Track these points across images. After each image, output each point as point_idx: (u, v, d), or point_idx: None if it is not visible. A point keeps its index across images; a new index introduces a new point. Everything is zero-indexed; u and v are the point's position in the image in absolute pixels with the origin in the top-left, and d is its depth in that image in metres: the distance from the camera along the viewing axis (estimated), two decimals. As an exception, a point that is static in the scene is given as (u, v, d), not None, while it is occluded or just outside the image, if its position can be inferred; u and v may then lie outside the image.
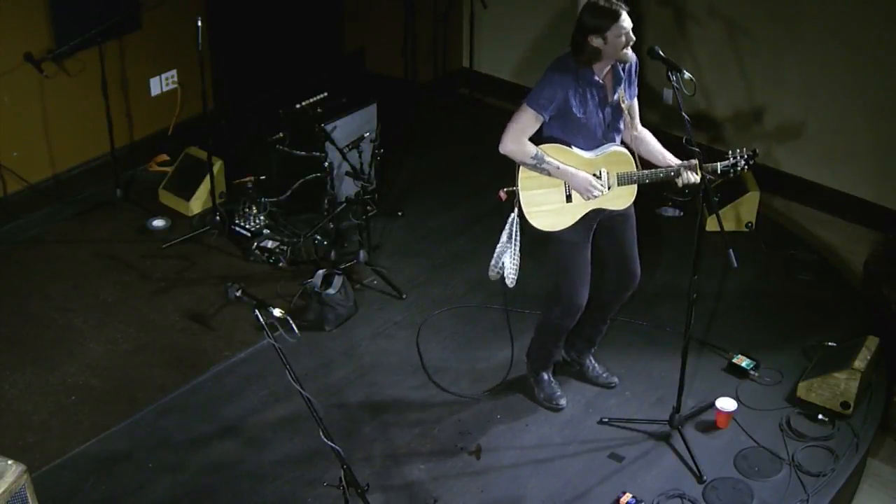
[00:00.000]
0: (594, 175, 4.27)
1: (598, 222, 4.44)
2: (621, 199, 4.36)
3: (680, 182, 4.27)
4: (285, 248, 5.73)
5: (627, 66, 4.23)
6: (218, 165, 6.05)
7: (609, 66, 4.20)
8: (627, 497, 4.29)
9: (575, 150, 4.26)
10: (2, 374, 4.90)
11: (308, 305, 5.29)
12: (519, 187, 4.29)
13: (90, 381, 4.90)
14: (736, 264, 4.01)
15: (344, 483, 3.75)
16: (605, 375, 4.92)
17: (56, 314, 5.33)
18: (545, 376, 4.84)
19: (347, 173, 5.55)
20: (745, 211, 6.02)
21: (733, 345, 5.16)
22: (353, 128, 5.88)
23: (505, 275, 4.40)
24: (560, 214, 4.33)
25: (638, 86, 4.37)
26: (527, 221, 4.33)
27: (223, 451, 4.53)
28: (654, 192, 6.35)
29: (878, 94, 6.17)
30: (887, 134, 6.21)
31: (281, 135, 5.68)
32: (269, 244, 5.76)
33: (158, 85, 6.50)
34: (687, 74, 4.14)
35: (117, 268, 5.70)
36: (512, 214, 4.33)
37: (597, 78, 4.18)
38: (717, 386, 4.92)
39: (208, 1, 6.36)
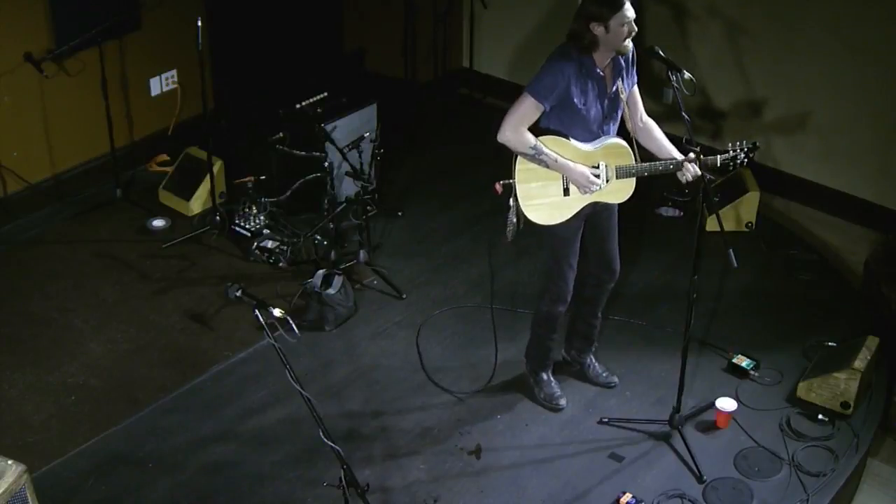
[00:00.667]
0: (593, 167, 4.25)
1: (587, 216, 4.42)
2: (620, 192, 4.33)
3: (681, 176, 4.23)
4: (285, 248, 5.73)
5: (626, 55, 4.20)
6: (218, 165, 6.05)
7: (610, 58, 4.18)
8: (627, 497, 4.30)
9: (573, 142, 4.22)
10: (2, 374, 4.90)
11: (308, 305, 5.29)
12: (515, 180, 4.23)
13: (90, 381, 4.90)
14: (736, 264, 4.01)
15: (344, 483, 3.75)
16: (605, 375, 4.92)
17: (56, 314, 5.33)
18: (545, 376, 4.84)
19: (347, 173, 5.55)
20: (745, 211, 6.02)
21: (733, 345, 5.16)
22: (353, 128, 5.88)
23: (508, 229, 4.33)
24: (557, 208, 4.29)
25: (637, 74, 4.33)
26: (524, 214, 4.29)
27: (223, 451, 4.53)
28: (654, 192, 6.37)
29: (878, 94, 6.17)
30: (887, 134, 6.21)
31: (281, 135, 5.67)
32: (269, 244, 5.76)
33: (158, 85, 6.50)
34: (687, 74, 4.13)
35: (117, 268, 5.70)
36: (512, 209, 4.26)
37: (598, 69, 4.16)
38: (717, 386, 4.92)
39: (208, 1, 6.36)
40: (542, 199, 4.26)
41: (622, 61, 4.22)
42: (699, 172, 4.18)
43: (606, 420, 4.72)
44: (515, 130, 4.13)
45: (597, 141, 4.27)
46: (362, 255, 5.64)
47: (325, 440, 3.68)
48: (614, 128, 4.33)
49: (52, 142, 6.10)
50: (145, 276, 5.63)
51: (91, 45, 5.78)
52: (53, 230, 6.00)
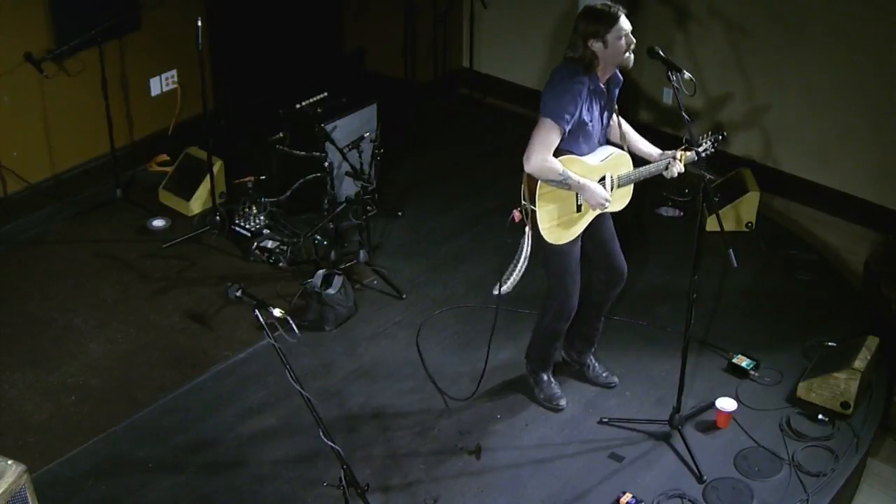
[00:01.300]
0: (600, 180, 4.28)
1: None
2: (621, 200, 4.39)
3: (667, 174, 4.29)
4: (285, 248, 5.73)
5: None
6: (218, 165, 6.05)
7: (612, 72, 4.21)
8: (627, 497, 4.30)
9: (581, 158, 4.22)
10: (2, 374, 4.90)
11: (308, 305, 5.29)
12: (538, 205, 4.18)
13: (90, 381, 4.90)
14: (736, 264, 4.02)
15: (344, 483, 3.76)
16: (605, 375, 4.92)
17: (56, 314, 5.33)
18: (545, 377, 4.84)
19: (347, 173, 5.55)
20: (745, 211, 6.02)
21: (733, 345, 5.16)
22: (353, 128, 5.88)
23: (504, 283, 4.40)
24: (570, 225, 4.31)
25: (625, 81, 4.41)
26: (537, 238, 4.26)
27: (223, 451, 4.53)
28: (654, 192, 6.36)
29: (878, 94, 6.17)
30: (887, 134, 6.21)
31: (281, 135, 5.67)
32: (269, 244, 5.76)
33: (158, 85, 6.50)
34: (687, 74, 4.14)
35: (117, 268, 5.70)
36: (526, 234, 4.27)
37: (601, 84, 4.19)
38: (717, 386, 4.92)
39: (208, 1, 6.36)
40: (558, 220, 4.26)
41: (618, 72, 4.26)
42: (682, 170, 4.24)
43: (606, 420, 4.72)
44: (544, 159, 4.05)
45: (595, 153, 4.28)
46: (362, 255, 5.64)
47: (325, 440, 3.68)
48: (604, 136, 4.36)
49: (52, 142, 6.10)
50: (145, 276, 5.63)
51: (91, 45, 5.78)
52: (53, 230, 6.00)
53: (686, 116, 4.18)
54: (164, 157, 6.58)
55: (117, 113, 6.16)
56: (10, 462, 3.61)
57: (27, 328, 5.22)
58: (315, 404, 3.69)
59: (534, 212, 4.18)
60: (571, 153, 4.20)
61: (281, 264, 5.68)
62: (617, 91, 4.33)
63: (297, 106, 5.49)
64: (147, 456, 4.48)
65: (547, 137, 4.04)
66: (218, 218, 5.93)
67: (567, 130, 4.09)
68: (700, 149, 4.31)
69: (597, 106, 4.20)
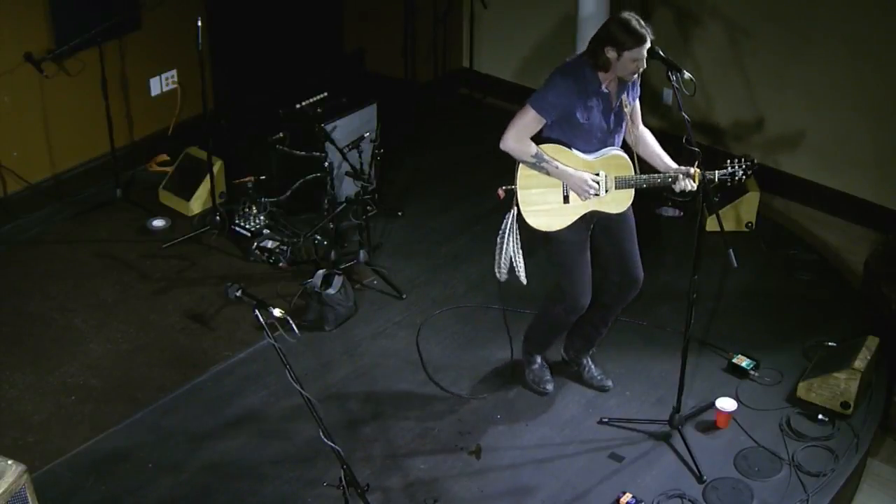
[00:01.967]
0: (593, 175, 4.29)
1: (595, 223, 4.45)
2: (618, 203, 4.37)
3: (677, 188, 4.28)
4: (285, 248, 5.73)
5: None
6: (218, 165, 6.05)
7: (613, 80, 4.21)
8: (627, 497, 4.30)
9: (575, 151, 4.27)
10: (2, 374, 4.90)
11: (308, 305, 5.29)
12: (517, 186, 4.30)
13: (90, 381, 4.90)
14: (736, 264, 4.02)
15: (344, 483, 3.75)
16: (599, 378, 4.91)
17: (56, 314, 5.33)
18: (538, 359, 4.90)
19: (347, 173, 5.55)
20: (745, 211, 6.02)
21: (733, 345, 5.16)
22: (353, 128, 5.88)
23: (517, 273, 4.42)
24: (556, 215, 4.34)
25: (641, 86, 4.38)
26: (524, 219, 4.34)
27: (223, 451, 4.53)
28: (654, 192, 6.35)
29: (878, 95, 6.17)
30: (887, 134, 6.21)
31: (281, 135, 5.67)
32: (269, 244, 5.76)
33: (158, 85, 6.50)
34: (687, 74, 4.14)
35: (117, 268, 5.70)
36: (510, 212, 4.35)
37: (603, 88, 4.20)
38: (717, 386, 4.92)
39: (208, 1, 6.36)
40: (542, 206, 4.32)
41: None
42: (695, 187, 4.22)
43: (606, 420, 4.72)
44: (518, 140, 4.21)
45: (598, 152, 4.30)
46: (362, 255, 5.64)
47: (325, 440, 3.68)
48: (619, 139, 4.37)
49: (52, 142, 6.10)
50: (145, 276, 5.63)
51: (91, 45, 5.78)
52: (53, 230, 6.00)
53: (686, 116, 4.18)
54: (164, 157, 6.58)
55: (117, 113, 6.16)
56: (10, 462, 3.61)
57: (27, 328, 5.22)
58: (315, 404, 3.69)
59: (515, 192, 4.29)
60: (568, 147, 4.26)
61: (281, 264, 5.68)
62: (630, 97, 4.31)
63: (297, 106, 5.49)
64: (147, 456, 4.48)
65: (525, 123, 4.20)
66: (218, 218, 5.93)
67: (551, 122, 4.20)
68: (721, 172, 4.27)
69: (597, 108, 4.21)
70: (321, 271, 5.32)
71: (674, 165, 4.34)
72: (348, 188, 5.78)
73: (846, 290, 5.72)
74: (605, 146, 4.31)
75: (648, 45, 4.08)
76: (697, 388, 4.89)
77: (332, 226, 5.74)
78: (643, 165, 4.38)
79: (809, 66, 6.35)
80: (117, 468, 4.42)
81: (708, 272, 5.30)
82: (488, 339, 5.19)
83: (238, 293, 3.73)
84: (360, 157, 5.56)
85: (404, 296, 5.51)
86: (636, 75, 4.16)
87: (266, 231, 5.88)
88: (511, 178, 4.30)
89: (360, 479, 3.90)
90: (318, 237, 5.73)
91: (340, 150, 5.55)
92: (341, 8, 7.19)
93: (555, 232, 4.36)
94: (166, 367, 5.00)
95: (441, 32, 7.62)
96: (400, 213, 6.21)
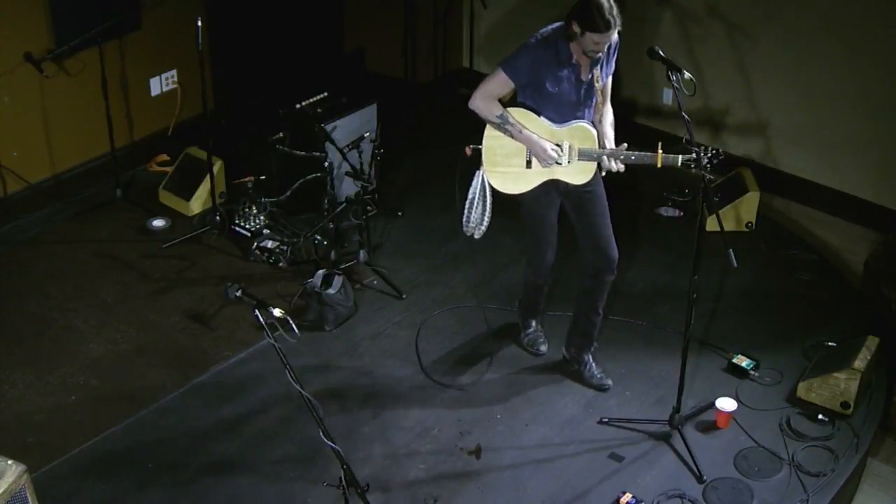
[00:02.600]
0: (556, 144, 4.40)
1: (565, 199, 4.58)
2: (581, 173, 4.47)
3: (603, 168, 4.40)
4: (285, 248, 5.73)
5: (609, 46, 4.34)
6: (218, 165, 6.05)
7: (582, 52, 4.31)
8: (627, 497, 4.30)
9: (542, 119, 4.39)
10: (2, 374, 4.90)
11: (308, 305, 5.29)
12: (483, 146, 4.47)
13: (90, 381, 4.90)
14: (736, 264, 4.02)
15: (344, 483, 3.76)
16: (599, 377, 4.91)
17: (56, 314, 5.33)
18: (532, 323, 5.13)
19: (347, 173, 5.55)
20: (745, 211, 6.02)
21: (733, 345, 5.16)
22: (353, 128, 5.88)
23: (474, 227, 4.60)
24: (517, 179, 4.50)
25: (617, 62, 4.47)
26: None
27: (223, 451, 4.53)
28: (654, 192, 6.37)
29: (877, 94, 6.17)
30: (887, 134, 6.21)
31: (281, 135, 5.68)
32: (269, 244, 5.76)
33: (158, 85, 6.50)
34: (687, 74, 4.14)
35: (117, 268, 5.70)
36: (479, 171, 4.52)
37: (574, 59, 4.29)
38: (717, 386, 4.92)
39: (208, 1, 6.36)
40: (505, 168, 4.49)
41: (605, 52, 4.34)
42: (622, 169, 4.37)
43: (606, 420, 4.72)
44: (484, 100, 4.38)
45: (566, 122, 4.41)
46: (362, 255, 5.64)
47: (325, 440, 3.68)
48: (589, 113, 4.46)
49: (52, 142, 6.10)
50: (145, 276, 5.63)
51: (91, 45, 5.78)
52: (53, 230, 6.00)
53: (686, 116, 4.18)
54: (164, 157, 6.58)
55: (117, 113, 6.16)
56: (10, 462, 3.61)
57: (27, 328, 5.22)
58: (315, 404, 3.69)
59: (480, 151, 4.49)
60: (538, 114, 4.41)
61: (281, 264, 5.68)
62: (603, 73, 4.39)
63: (297, 106, 5.49)
64: (147, 456, 4.48)
65: (493, 84, 4.37)
66: (218, 218, 5.93)
67: (521, 87, 4.35)
68: (685, 157, 4.26)
69: (567, 80, 4.31)
70: (321, 271, 5.32)
71: (610, 144, 4.47)
72: (348, 188, 5.78)
73: (846, 290, 5.72)
74: (576, 119, 4.41)
75: (614, 34, 4.18)
76: (697, 388, 4.89)
77: (332, 226, 5.74)
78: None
79: (810, 66, 6.35)
80: (117, 468, 4.42)
81: (708, 272, 5.31)
82: (488, 338, 5.19)
83: (238, 293, 3.73)
84: (360, 157, 5.56)
85: (404, 296, 5.51)
86: (599, 55, 4.25)
87: (266, 231, 5.88)
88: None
89: (360, 479, 3.90)
90: (318, 237, 5.73)
91: (340, 150, 5.55)
92: (341, 8, 7.19)
93: (522, 197, 4.54)
94: (166, 367, 5.00)
95: (441, 32, 7.62)
96: (400, 213, 6.21)
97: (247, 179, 5.89)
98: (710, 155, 4.21)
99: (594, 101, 4.42)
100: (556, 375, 4.96)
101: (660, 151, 4.28)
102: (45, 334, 5.19)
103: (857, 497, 4.79)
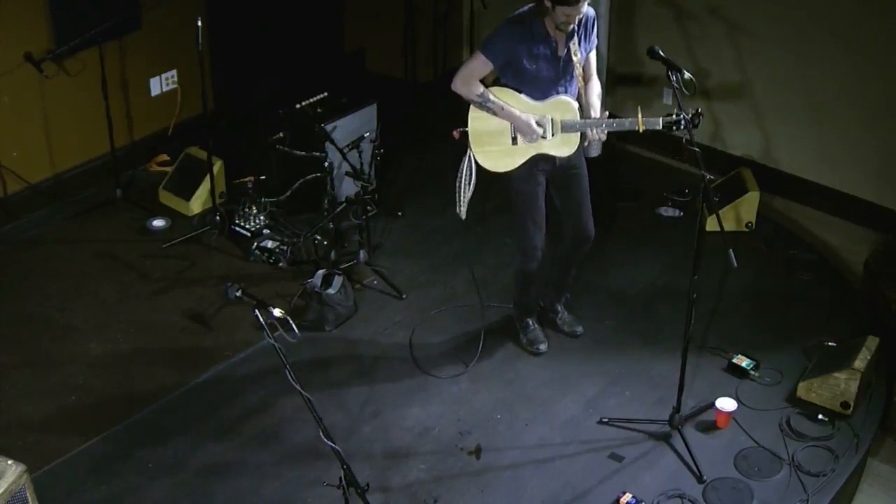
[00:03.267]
0: (539, 119, 4.51)
1: (551, 175, 4.69)
2: (566, 145, 4.58)
3: (587, 138, 4.49)
4: (285, 248, 5.73)
5: (582, 20, 4.42)
6: (218, 165, 6.05)
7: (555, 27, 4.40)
8: (627, 497, 4.29)
9: (523, 96, 4.49)
10: (2, 374, 4.90)
11: (308, 305, 5.29)
12: (469, 127, 4.55)
13: (90, 381, 4.90)
14: (736, 264, 4.02)
15: (344, 483, 3.75)
16: (570, 322, 5.20)
17: (56, 314, 5.33)
18: (530, 322, 5.13)
19: (347, 173, 5.55)
20: (745, 211, 6.02)
21: (733, 345, 5.16)
22: (353, 128, 5.88)
23: (462, 206, 4.71)
24: (505, 156, 4.61)
25: (598, 39, 4.62)
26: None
27: (223, 451, 4.53)
28: (655, 192, 6.37)
29: (878, 95, 6.17)
30: (887, 134, 6.21)
31: (281, 135, 5.68)
32: (269, 244, 5.76)
33: (158, 85, 6.50)
34: (687, 74, 4.15)
35: (117, 268, 5.70)
36: (467, 154, 4.60)
37: (549, 35, 4.39)
38: (717, 386, 4.92)
39: (208, 1, 6.36)
40: (491, 147, 4.59)
41: (575, 26, 4.41)
42: (603, 138, 4.51)
43: (606, 420, 4.72)
44: (465, 82, 4.50)
45: (547, 98, 4.51)
46: (362, 255, 5.64)
47: (325, 440, 3.68)
48: (571, 88, 4.56)
49: (52, 142, 6.10)
50: (145, 276, 5.63)
51: (91, 45, 5.79)
52: (53, 230, 6.00)
53: (686, 116, 4.17)
54: (164, 157, 6.59)
55: (117, 113, 6.16)
56: (10, 462, 3.61)
57: (27, 328, 5.22)
58: (315, 404, 3.69)
59: (467, 133, 4.58)
60: (519, 92, 4.50)
61: (281, 264, 5.68)
62: (583, 48, 4.48)
63: (297, 106, 5.50)
64: (147, 456, 4.48)
65: (473, 66, 4.48)
66: (218, 218, 5.93)
67: (497, 66, 4.45)
68: (666, 119, 4.35)
69: (543, 57, 4.42)
70: (321, 271, 5.32)
71: (596, 113, 4.55)
72: (348, 188, 5.78)
73: (846, 290, 5.71)
74: (556, 94, 4.51)
75: (584, 6, 4.27)
76: (697, 388, 4.89)
77: (332, 226, 5.74)
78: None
79: (810, 66, 6.34)
80: (117, 468, 4.42)
81: (708, 272, 5.29)
82: (488, 338, 5.19)
83: (238, 293, 3.73)
84: (360, 157, 5.57)
85: (404, 296, 5.51)
86: (571, 26, 4.34)
87: (266, 231, 5.88)
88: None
89: (360, 479, 3.89)
90: (318, 237, 5.73)
91: (340, 150, 5.55)
92: (341, 8, 7.19)
93: (509, 175, 4.62)
94: (166, 367, 5.00)
95: (441, 32, 7.62)
96: (400, 213, 6.21)
97: (247, 179, 5.89)
98: (690, 115, 4.28)
99: (575, 76, 4.52)
100: (556, 375, 4.96)
101: (640, 116, 4.37)
102: (45, 334, 5.19)
103: (857, 497, 4.78)
